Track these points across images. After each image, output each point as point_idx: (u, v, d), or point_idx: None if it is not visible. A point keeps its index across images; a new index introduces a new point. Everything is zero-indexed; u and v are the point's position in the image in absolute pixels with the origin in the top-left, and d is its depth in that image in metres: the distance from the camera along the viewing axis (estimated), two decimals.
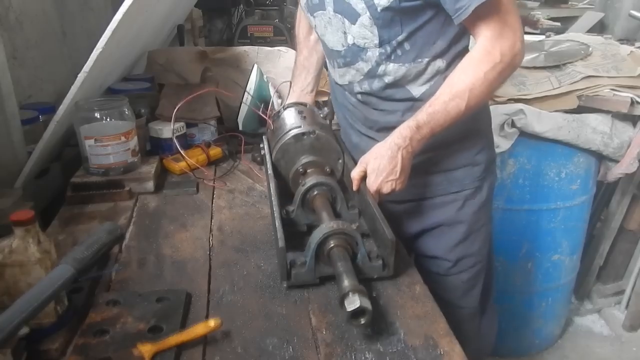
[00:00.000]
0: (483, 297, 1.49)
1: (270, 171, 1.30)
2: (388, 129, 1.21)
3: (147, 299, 0.95)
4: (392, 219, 1.31)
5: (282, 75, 1.91)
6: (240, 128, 1.75)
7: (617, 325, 2.64)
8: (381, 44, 1.18)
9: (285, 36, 3.58)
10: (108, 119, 1.41)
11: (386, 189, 1.15)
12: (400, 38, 1.16)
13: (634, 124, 2.14)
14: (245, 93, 1.70)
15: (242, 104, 1.71)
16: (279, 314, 0.94)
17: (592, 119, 2.05)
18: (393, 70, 1.22)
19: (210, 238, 1.20)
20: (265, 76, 1.83)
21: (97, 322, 0.88)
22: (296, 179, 1.27)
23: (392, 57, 1.20)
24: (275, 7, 3.70)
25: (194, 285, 1.02)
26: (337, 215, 1.15)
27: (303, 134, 1.29)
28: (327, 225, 1.01)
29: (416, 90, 1.24)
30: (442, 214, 1.35)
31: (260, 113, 1.61)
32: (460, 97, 1.10)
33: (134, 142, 1.43)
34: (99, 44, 1.27)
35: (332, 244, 0.99)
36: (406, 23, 1.14)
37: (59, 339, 0.86)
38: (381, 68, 1.22)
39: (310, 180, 1.19)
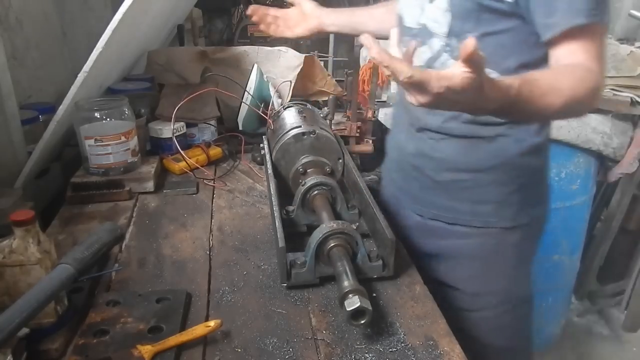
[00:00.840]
0: (517, 341, 1.38)
1: (270, 171, 1.30)
2: (427, 131, 1.18)
3: (147, 299, 0.95)
4: (413, 229, 1.30)
5: (282, 75, 1.91)
6: (240, 128, 1.75)
7: (617, 325, 2.64)
8: (449, 34, 1.09)
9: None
10: (108, 119, 1.40)
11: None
12: (470, 36, 1.04)
13: (634, 124, 2.14)
14: (245, 93, 1.70)
15: (242, 104, 1.71)
16: (279, 314, 0.94)
17: (592, 118, 2.06)
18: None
19: (210, 238, 1.20)
20: (265, 76, 1.83)
21: (97, 322, 0.88)
22: (296, 179, 1.27)
23: (455, 53, 1.09)
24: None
25: (194, 285, 1.02)
26: (337, 215, 1.15)
27: (303, 133, 1.29)
28: (327, 225, 1.01)
29: None
30: (461, 244, 1.26)
31: (261, 113, 1.61)
32: (559, 94, 0.91)
33: (134, 142, 1.43)
34: (98, 44, 1.27)
35: (332, 244, 0.99)
36: (483, 22, 1.04)
37: (59, 339, 0.86)
38: (440, 60, 1.13)
39: (310, 180, 1.19)
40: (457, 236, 1.24)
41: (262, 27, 1.52)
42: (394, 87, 3.22)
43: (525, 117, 1.03)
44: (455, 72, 0.78)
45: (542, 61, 1.04)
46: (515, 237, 1.24)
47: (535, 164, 1.21)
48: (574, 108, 0.97)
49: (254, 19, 1.51)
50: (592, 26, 0.95)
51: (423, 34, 1.13)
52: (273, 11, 1.50)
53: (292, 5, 1.50)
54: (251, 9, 1.50)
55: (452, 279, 1.29)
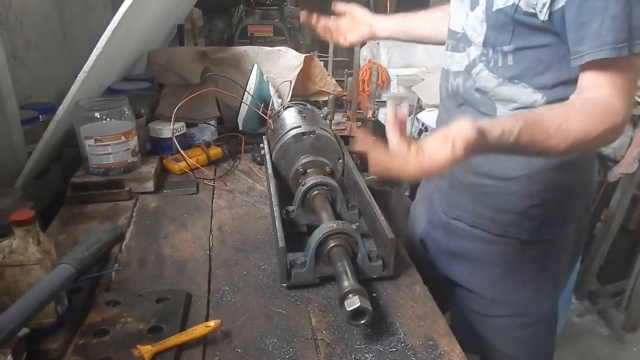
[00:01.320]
0: (536, 358, 1.35)
1: (270, 171, 1.30)
2: None
3: (147, 299, 0.95)
4: (439, 226, 1.30)
5: (282, 75, 1.91)
6: (240, 128, 1.75)
7: (617, 325, 2.64)
8: (485, 44, 1.08)
9: (285, 36, 3.59)
10: (108, 119, 1.40)
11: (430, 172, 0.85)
12: (506, 48, 1.05)
13: (634, 124, 2.14)
14: (246, 93, 1.70)
15: (242, 104, 1.71)
16: (279, 314, 0.94)
17: None
18: (485, 77, 1.10)
19: (211, 238, 1.20)
20: (265, 76, 1.83)
21: (97, 322, 0.88)
22: (296, 179, 1.27)
23: (491, 65, 1.08)
24: (275, 7, 3.70)
25: (194, 285, 1.02)
26: (337, 215, 1.15)
27: (303, 133, 1.29)
28: (327, 225, 1.01)
29: (501, 111, 1.10)
30: (481, 248, 1.24)
31: (261, 113, 1.61)
32: (566, 136, 0.91)
33: (134, 142, 1.43)
34: (99, 44, 1.27)
35: (332, 244, 0.99)
36: (518, 36, 1.02)
37: (59, 339, 0.86)
38: (475, 69, 1.11)
39: (310, 180, 1.19)
40: (477, 239, 1.23)
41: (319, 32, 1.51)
42: (393, 87, 3.23)
43: (528, 155, 1.01)
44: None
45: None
46: (535, 251, 1.20)
47: (564, 181, 1.15)
48: (584, 147, 0.97)
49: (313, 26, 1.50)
50: (622, 59, 0.92)
51: (464, 40, 1.14)
52: (324, 21, 1.47)
53: (341, 14, 1.47)
54: (303, 16, 1.47)
55: (471, 282, 1.28)
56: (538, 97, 1.06)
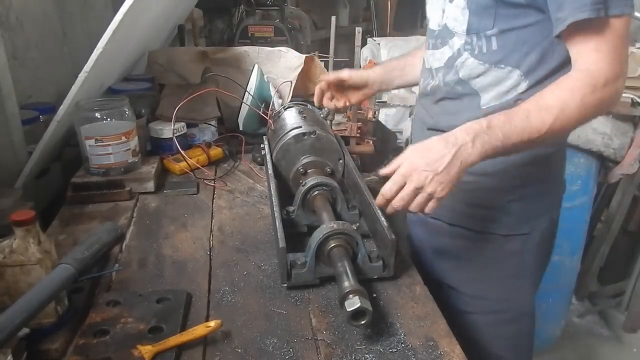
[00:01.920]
0: (517, 356, 1.37)
1: (270, 171, 1.30)
2: (436, 130, 1.15)
3: (147, 299, 0.95)
4: (420, 224, 1.31)
5: (283, 75, 1.91)
6: (241, 128, 1.75)
7: (617, 326, 2.64)
8: (468, 32, 1.08)
9: (285, 36, 3.58)
10: (108, 119, 1.41)
11: (417, 181, 0.94)
12: (489, 32, 1.06)
13: (635, 125, 2.14)
14: (246, 93, 1.70)
15: (243, 104, 1.71)
16: (279, 314, 0.94)
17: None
18: (470, 65, 1.11)
19: (211, 238, 1.20)
20: (265, 76, 1.83)
21: (98, 323, 0.88)
22: (297, 179, 1.27)
23: (475, 52, 1.09)
24: (276, 7, 3.70)
25: (194, 285, 1.02)
26: (337, 215, 1.15)
27: (304, 134, 1.29)
28: (327, 225, 1.01)
29: (485, 99, 1.12)
30: (461, 245, 1.25)
31: (261, 113, 1.61)
32: (548, 111, 0.94)
33: (134, 142, 1.43)
34: (99, 44, 1.27)
35: (332, 244, 0.99)
36: (501, 18, 1.03)
37: (59, 339, 0.86)
38: (460, 60, 1.12)
39: (310, 181, 1.19)
40: (457, 236, 1.24)
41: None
42: None
43: (523, 145, 0.97)
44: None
45: (567, 60, 1.01)
46: (514, 246, 1.22)
47: (540, 176, 1.19)
48: (574, 118, 0.95)
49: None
50: (603, 20, 0.92)
51: (444, 35, 1.14)
52: (326, 101, 1.47)
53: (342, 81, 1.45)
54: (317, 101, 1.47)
55: (452, 279, 1.29)
56: (521, 80, 1.08)
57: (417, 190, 0.95)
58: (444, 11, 1.13)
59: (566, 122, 0.95)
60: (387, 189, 0.97)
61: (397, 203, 0.96)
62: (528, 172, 1.16)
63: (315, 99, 1.46)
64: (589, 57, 0.95)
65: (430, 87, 1.21)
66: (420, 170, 0.94)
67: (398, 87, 1.56)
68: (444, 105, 1.18)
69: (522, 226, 1.21)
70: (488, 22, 1.05)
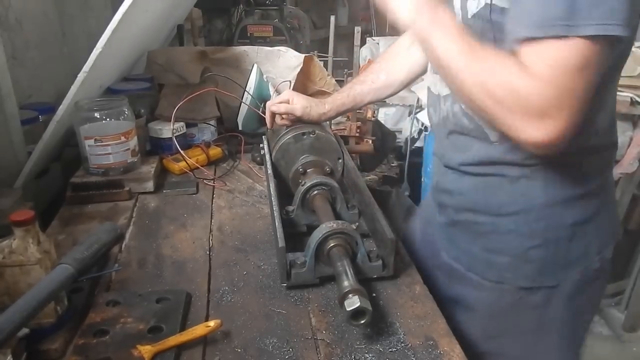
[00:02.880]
0: None
1: (270, 171, 1.30)
2: (453, 168, 1.07)
3: (147, 299, 0.95)
4: (441, 268, 1.16)
5: (282, 75, 1.91)
6: (240, 128, 1.75)
7: (616, 325, 2.64)
8: None
9: (285, 36, 3.59)
10: (108, 119, 1.40)
11: None
12: None
13: (634, 124, 2.14)
14: (245, 93, 1.70)
15: (242, 104, 1.71)
16: (278, 314, 0.94)
17: None
18: None
19: (210, 238, 1.20)
20: (265, 76, 1.83)
21: (97, 323, 0.88)
22: (296, 179, 1.27)
23: None
24: (275, 7, 3.71)
25: (193, 285, 1.02)
26: (337, 215, 1.15)
27: (303, 133, 1.29)
28: (326, 225, 1.01)
29: (494, 135, 0.97)
30: (475, 296, 1.10)
31: (260, 113, 1.61)
32: (469, 63, 0.82)
33: (133, 142, 1.43)
34: (98, 44, 1.27)
35: (332, 244, 0.99)
36: (500, 43, 0.85)
37: (58, 339, 0.86)
38: None
39: (310, 180, 1.19)
40: (471, 285, 1.10)
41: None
42: None
43: (436, 59, 0.87)
44: None
45: None
46: (536, 299, 1.05)
47: (570, 219, 1.00)
48: (473, 93, 0.82)
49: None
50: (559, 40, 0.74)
51: None
52: (279, 121, 1.39)
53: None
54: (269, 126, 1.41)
55: (464, 332, 1.10)
56: None
57: None
58: None
59: (460, 84, 0.85)
60: None
61: None
62: (555, 214, 0.99)
63: (267, 122, 1.39)
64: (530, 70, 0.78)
65: (440, 117, 1.09)
66: None
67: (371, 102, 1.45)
68: (454, 139, 1.06)
69: (547, 277, 1.04)
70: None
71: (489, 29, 0.90)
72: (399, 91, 1.37)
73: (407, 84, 1.37)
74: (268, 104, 1.40)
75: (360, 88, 1.35)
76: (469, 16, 0.93)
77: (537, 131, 0.78)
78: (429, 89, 1.14)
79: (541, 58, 0.76)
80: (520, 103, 0.78)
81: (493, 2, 0.88)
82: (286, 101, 1.35)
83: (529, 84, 0.77)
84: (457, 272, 1.12)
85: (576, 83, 0.75)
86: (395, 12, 0.91)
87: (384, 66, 1.35)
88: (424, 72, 1.22)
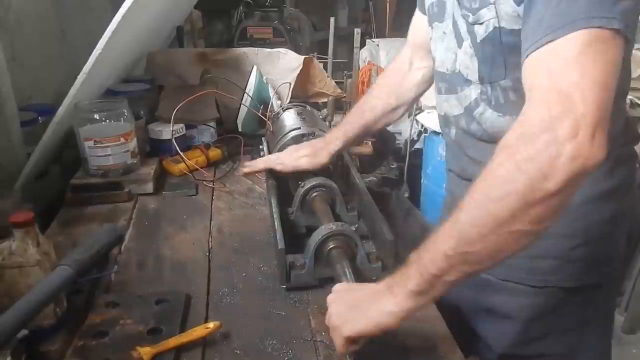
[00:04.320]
0: None
1: (269, 172, 1.29)
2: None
3: (146, 300, 0.95)
4: (468, 283, 1.01)
5: (282, 76, 1.91)
6: (240, 129, 1.75)
7: (616, 327, 2.64)
8: (481, 81, 0.94)
9: (284, 37, 3.59)
10: (107, 121, 1.40)
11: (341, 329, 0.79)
12: (504, 83, 0.91)
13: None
14: (245, 94, 1.70)
15: (242, 106, 1.71)
16: (278, 315, 0.94)
17: None
18: (490, 118, 0.95)
19: (210, 239, 1.20)
20: (264, 77, 1.83)
21: (97, 324, 0.88)
22: (295, 181, 1.27)
23: (492, 103, 0.94)
24: (275, 9, 3.71)
25: (193, 286, 1.02)
26: (336, 217, 1.15)
27: (302, 135, 1.30)
28: (326, 226, 1.01)
29: None
30: (513, 304, 1.06)
31: (260, 114, 1.61)
32: (454, 224, 0.72)
33: (133, 144, 1.43)
34: (98, 45, 1.27)
35: (331, 245, 0.99)
36: (513, 66, 0.84)
37: (58, 340, 0.86)
38: (478, 110, 0.97)
39: (309, 182, 1.19)
40: (508, 293, 1.05)
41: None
42: None
43: (455, 274, 0.73)
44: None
45: None
46: (579, 298, 1.04)
47: (607, 213, 0.99)
48: (515, 210, 0.67)
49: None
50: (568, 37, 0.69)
51: (458, 80, 1.00)
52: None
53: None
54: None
55: (499, 341, 1.10)
56: None
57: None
58: (456, 55, 0.99)
59: (507, 224, 0.68)
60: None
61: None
62: (593, 210, 0.98)
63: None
64: (532, 98, 0.72)
65: (455, 136, 1.06)
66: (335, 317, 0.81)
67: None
68: (476, 154, 1.02)
69: (591, 275, 1.02)
70: (499, 72, 0.91)
71: (499, 52, 0.88)
72: (410, 109, 1.30)
73: (417, 100, 1.33)
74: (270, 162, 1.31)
75: (371, 115, 1.27)
76: (478, 40, 0.91)
77: (591, 149, 0.66)
78: (437, 109, 1.12)
79: (563, 58, 0.69)
80: (554, 145, 0.65)
81: (502, 25, 0.85)
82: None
83: (538, 118, 0.68)
84: (490, 282, 1.06)
85: (605, 76, 0.68)
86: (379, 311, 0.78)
87: (393, 90, 1.28)
88: (431, 84, 1.18)
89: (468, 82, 0.97)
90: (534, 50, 0.72)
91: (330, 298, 0.84)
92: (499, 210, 0.67)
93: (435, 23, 1.04)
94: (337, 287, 0.86)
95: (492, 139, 0.94)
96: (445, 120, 1.08)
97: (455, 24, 0.97)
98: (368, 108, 1.28)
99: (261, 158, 1.36)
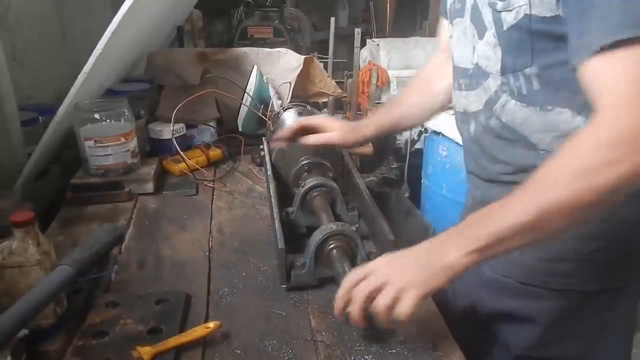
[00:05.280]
0: None
1: (269, 172, 1.30)
2: (498, 181, 1.01)
3: (146, 300, 0.95)
4: (485, 287, 1.08)
5: (282, 76, 1.91)
6: (240, 129, 1.75)
7: None
8: (503, 72, 0.92)
9: (285, 37, 3.59)
10: (108, 120, 1.40)
11: (379, 276, 0.81)
12: (528, 71, 0.89)
13: None
14: (245, 94, 1.70)
15: (242, 105, 1.71)
16: (278, 315, 0.94)
17: None
18: (512, 109, 0.94)
19: (210, 239, 1.20)
20: (265, 77, 1.83)
21: (97, 324, 0.88)
22: (296, 180, 1.27)
23: (515, 93, 0.92)
24: (275, 9, 3.71)
25: (193, 286, 1.02)
26: (336, 216, 1.15)
27: None
28: (326, 226, 1.01)
29: (542, 145, 0.93)
30: (532, 307, 1.04)
31: (260, 114, 1.61)
32: (529, 191, 0.75)
33: (133, 144, 1.43)
34: (98, 45, 1.27)
35: (331, 245, 0.99)
36: (539, 53, 0.85)
37: (58, 340, 0.86)
38: (499, 103, 0.95)
39: (309, 182, 1.19)
40: (528, 296, 1.03)
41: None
42: (393, 88, 3.23)
43: (521, 239, 0.77)
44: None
45: None
46: (601, 301, 1.01)
47: (635, 215, 0.96)
48: (575, 191, 0.72)
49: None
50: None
51: (478, 75, 0.98)
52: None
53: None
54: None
55: (517, 344, 1.08)
56: (579, 120, 0.88)
57: (379, 288, 0.80)
58: (474, 48, 0.98)
59: (557, 202, 0.73)
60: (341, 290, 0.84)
61: (354, 301, 0.81)
62: (618, 212, 0.90)
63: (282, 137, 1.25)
64: (602, 105, 0.74)
65: (473, 133, 1.04)
66: (382, 269, 0.82)
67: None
68: (495, 152, 1.00)
69: (615, 278, 1.00)
70: (525, 60, 0.89)
71: (527, 40, 0.87)
72: (443, 111, 1.28)
73: (447, 103, 1.26)
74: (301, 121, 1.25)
75: (404, 110, 1.26)
76: (505, 28, 0.89)
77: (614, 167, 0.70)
78: (454, 106, 1.11)
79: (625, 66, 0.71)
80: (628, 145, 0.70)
81: (533, 12, 0.84)
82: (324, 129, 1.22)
83: (607, 119, 0.71)
84: (508, 285, 1.04)
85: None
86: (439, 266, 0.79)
87: (425, 91, 1.26)
88: None
89: (487, 74, 0.96)
90: (600, 51, 0.72)
91: (379, 270, 0.82)
92: (587, 191, 0.73)
93: (457, 19, 1.03)
94: (377, 261, 0.85)
95: (511, 136, 0.95)
96: (464, 116, 1.06)
97: (476, 15, 0.95)
98: (401, 102, 1.28)
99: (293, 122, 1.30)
